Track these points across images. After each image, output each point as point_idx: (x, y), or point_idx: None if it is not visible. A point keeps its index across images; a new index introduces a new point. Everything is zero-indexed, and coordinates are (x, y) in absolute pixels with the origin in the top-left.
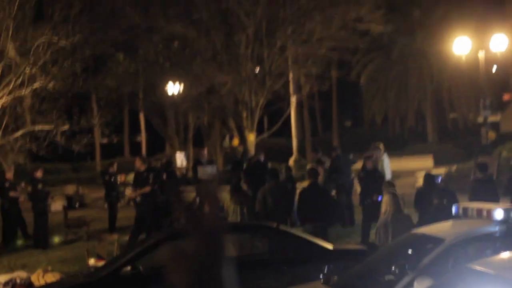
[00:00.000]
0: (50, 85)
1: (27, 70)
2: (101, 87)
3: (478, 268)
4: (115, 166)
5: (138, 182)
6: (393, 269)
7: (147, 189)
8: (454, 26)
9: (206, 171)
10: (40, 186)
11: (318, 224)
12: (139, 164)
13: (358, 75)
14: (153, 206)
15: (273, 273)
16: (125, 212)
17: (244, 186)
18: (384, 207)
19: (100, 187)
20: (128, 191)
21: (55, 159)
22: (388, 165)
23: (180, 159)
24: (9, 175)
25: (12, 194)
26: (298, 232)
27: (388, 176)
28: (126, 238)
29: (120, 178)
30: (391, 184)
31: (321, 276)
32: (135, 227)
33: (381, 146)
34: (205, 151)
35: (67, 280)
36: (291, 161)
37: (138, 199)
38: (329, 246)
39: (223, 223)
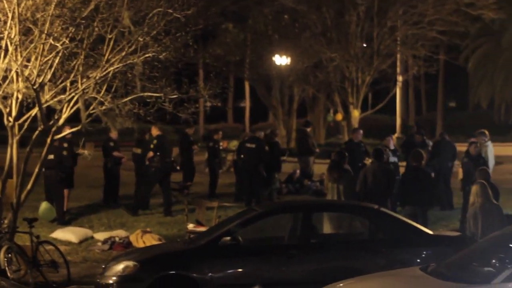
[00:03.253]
0: (162, 55)
1: (140, 39)
2: (210, 55)
3: None
4: (220, 134)
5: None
6: (493, 261)
7: (150, 154)
8: None
9: None
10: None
11: (418, 208)
12: (154, 131)
13: (466, 60)
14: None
15: (371, 254)
16: (226, 178)
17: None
18: (472, 198)
19: (202, 150)
20: (230, 157)
21: (160, 121)
22: (492, 152)
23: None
24: (114, 134)
25: (115, 154)
26: (398, 215)
27: (491, 163)
28: (226, 204)
29: (223, 145)
30: (485, 172)
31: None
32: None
33: (486, 132)
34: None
35: (166, 245)
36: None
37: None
38: (429, 231)
39: None
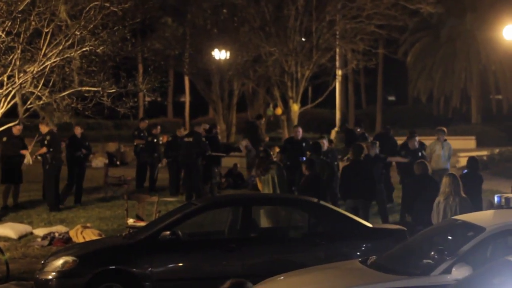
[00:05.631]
0: (100, 49)
1: (78, 33)
2: (148, 49)
3: None
4: (158, 129)
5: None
6: (432, 253)
7: (43, 150)
8: (505, 11)
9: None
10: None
11: (359, 201)
12: (42, 128)
13: (405, 53)
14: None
15: (311, 247)
16: (165, 173)
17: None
18: (442, 188)
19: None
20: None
21: (98, 115)
22: (451, 149)
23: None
24: (43, 128)
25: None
26: (338, 208)
27: (448, 160)
28: (166, 199)
29: (162, 139)
30: (424, 164)
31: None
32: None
33: (445, 130)
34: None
35: (106, 240)
36: (333, 134)
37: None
38: (369, 225)
39: None
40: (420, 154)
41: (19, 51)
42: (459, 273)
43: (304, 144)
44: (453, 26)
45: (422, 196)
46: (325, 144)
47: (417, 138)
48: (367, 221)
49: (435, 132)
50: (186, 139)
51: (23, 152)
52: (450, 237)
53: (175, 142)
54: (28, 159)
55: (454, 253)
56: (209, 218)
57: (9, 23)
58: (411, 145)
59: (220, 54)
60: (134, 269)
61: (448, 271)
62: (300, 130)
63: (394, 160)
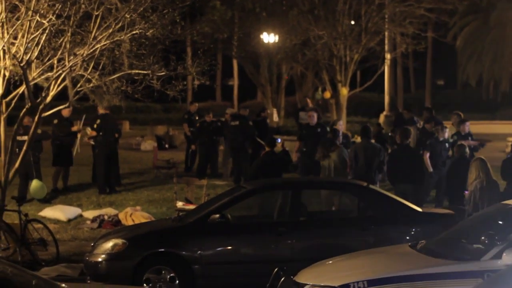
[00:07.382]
0: (149, 32)
1: (127, 16)
2: (197, 32)
3: None
4: (211, 115)
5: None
6: (482, 238)
7: (92, 133)
8: None
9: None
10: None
11: (408, 185)
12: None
13: (455, 37)
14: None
15: (360, 231)
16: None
17: None
18: (474, 172)
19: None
20: None
21: (148, 99)
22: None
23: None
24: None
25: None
26: (387, 192)
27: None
28: (215, 182)
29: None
30: (463, 147)
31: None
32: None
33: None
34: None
35: (155, 223)
36: (381, 118)
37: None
38: (418, 209)
39: None
40: (470, 138)
41: (69, 34)
42: (509, 258)
43: (319, 130)
44: (503, 10)
45: (459, 179)
46: (341, 127)
47: (468, 123)
48: (417, 205)
49: (452, 115)
50: (232, 123)
51: (74, 129)
52: (500, 222)
53: (203, 127)
54: (77, 146)
55: (505, 238)
56: (258, 201)
57: (60, 6)
58: (462, 129)
59: (268, 38)
60: (183, 252)
61: (498, 256)
62: (315, 114)
63: (466, 143)
